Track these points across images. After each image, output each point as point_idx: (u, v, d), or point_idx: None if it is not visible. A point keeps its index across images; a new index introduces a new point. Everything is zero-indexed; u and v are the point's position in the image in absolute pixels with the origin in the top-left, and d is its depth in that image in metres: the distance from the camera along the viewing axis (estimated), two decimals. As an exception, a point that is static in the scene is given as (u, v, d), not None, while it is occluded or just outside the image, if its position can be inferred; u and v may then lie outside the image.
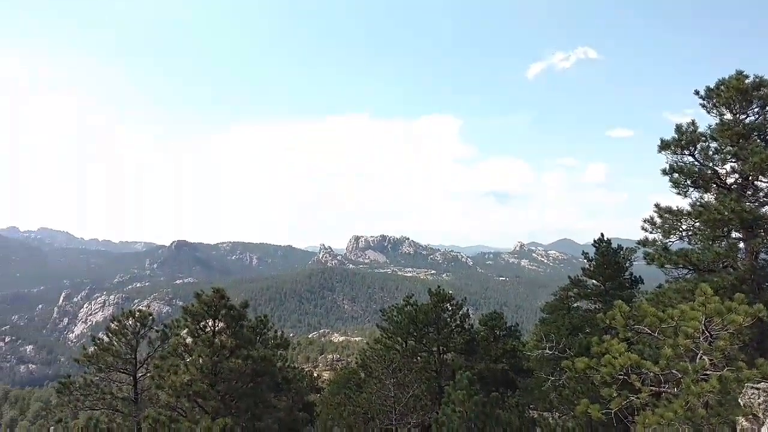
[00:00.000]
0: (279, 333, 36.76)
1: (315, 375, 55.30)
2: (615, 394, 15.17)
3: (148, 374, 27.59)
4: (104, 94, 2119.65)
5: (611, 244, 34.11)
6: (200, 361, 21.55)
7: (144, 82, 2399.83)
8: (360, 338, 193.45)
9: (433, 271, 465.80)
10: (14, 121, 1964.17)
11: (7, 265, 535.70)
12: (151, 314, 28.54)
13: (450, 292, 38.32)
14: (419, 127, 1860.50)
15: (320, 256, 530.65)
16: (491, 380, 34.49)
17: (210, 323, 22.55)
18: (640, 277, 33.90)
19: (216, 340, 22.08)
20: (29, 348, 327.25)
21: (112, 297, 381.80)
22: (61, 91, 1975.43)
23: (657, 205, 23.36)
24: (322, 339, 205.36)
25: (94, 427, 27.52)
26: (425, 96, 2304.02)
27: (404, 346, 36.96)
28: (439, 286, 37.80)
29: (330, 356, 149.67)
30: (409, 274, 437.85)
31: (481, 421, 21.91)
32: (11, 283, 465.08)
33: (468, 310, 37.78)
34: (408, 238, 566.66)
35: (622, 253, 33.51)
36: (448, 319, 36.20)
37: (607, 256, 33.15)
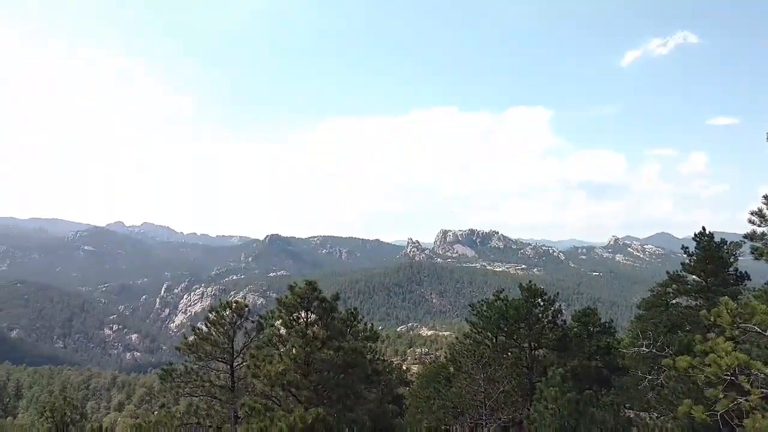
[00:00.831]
0: (368, 326, 37.20)
1: (404, 368, 55.63)
2: (721, 396, 14.41)
3: (244, 363, 28.45)
4: (201, 93, 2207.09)
5: (713, 237, 32.49)
6: (294, 351, 22.08)
7: (238, 80, 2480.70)
8: (448, 333, 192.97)
9: (523, 266, 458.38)
10: (120, 124, 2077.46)
11: (114, 259, 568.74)
12: (247, 305, 29.41)
13: (541, 287, 37.54)
14: (507, 119, 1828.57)
15: (408, 250, 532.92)
16: (584, 378, 33.57)
17: (303, 315, 23.06)
18: (746, 272, 32.13)
19: (309, 331, 22.56)
20: (134, 336, 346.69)
21: (209, 289, 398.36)
22: (161, 91, 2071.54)
23: (766, 197, 21.96)
24: (411, 333, 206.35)
25: (194, 413, 28.80)
26: (513, 88, 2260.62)
27: (494, 341, 36.54)
28: (530, 281, 37.14)
29: (418, 350, 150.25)
30: (499, 269, 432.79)
31: (574, 419, 21.38)
32: (118, 275, 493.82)
33: (560, 305, 36.87)
34: (497, 232, 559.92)
35: (726, 247, 31.86)
36: (540, 315, 35.48)
37: (710, 251, 31.60)
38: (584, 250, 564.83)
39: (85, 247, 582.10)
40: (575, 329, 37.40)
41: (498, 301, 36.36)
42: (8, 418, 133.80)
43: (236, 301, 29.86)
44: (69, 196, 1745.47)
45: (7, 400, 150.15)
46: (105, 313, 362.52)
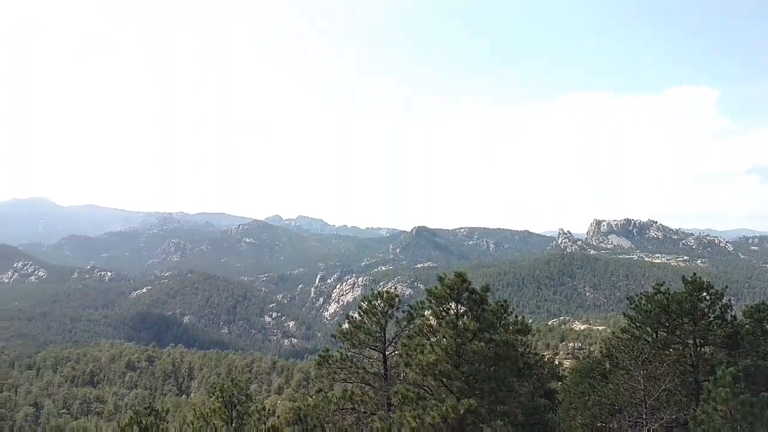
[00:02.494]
0: (519, 318, 36.56)
1: (555, 363, 54.11)
2: None
3: (396, 352, 29.05)
4: (343, 88, 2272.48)
5: None
6: (444, 342, 22.22)
7: (387, 73, 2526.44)
8: (603, 327, 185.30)
9: (685, 257, 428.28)
10: (279, 127, 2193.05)
11: (273, 250, 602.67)
12: (397, 296, 29.97)
13: (707, 280, 34.95)
14: (666, 100, 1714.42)
15: (559, 241, 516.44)
16: (760, 379, 30.86)
17: (453, 306, 23.14)
18: None
19: (459, 322, 22.60)
20: (291, 324, 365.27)
21: (360, 279, 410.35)
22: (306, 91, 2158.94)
23: None
24: (562, 326, 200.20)
25: (349, 398, 29.84)
26: (674, 68, 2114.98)
27: (654, 336, 34.62)
28: (694, 274, 34.73)
29: (571, 344, 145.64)
30: (658, 261, 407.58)
31: (749, 423, 19.75)
32: (276, 266, 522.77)
33: (729, 300, 34.12)
34: (656, 222, 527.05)
35: None
36: (706, 310, 33.07)
37: None
38: (756, 240, 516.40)
39: (247, 240, 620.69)
40: (747, 326, 34.41)
41: (658, 295, 34.35)
42: (183, 396, 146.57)
43: (387, 292, 30.52)
44: (233, 193, 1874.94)
45: (182, 380, 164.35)
46: (265, 302, 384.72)
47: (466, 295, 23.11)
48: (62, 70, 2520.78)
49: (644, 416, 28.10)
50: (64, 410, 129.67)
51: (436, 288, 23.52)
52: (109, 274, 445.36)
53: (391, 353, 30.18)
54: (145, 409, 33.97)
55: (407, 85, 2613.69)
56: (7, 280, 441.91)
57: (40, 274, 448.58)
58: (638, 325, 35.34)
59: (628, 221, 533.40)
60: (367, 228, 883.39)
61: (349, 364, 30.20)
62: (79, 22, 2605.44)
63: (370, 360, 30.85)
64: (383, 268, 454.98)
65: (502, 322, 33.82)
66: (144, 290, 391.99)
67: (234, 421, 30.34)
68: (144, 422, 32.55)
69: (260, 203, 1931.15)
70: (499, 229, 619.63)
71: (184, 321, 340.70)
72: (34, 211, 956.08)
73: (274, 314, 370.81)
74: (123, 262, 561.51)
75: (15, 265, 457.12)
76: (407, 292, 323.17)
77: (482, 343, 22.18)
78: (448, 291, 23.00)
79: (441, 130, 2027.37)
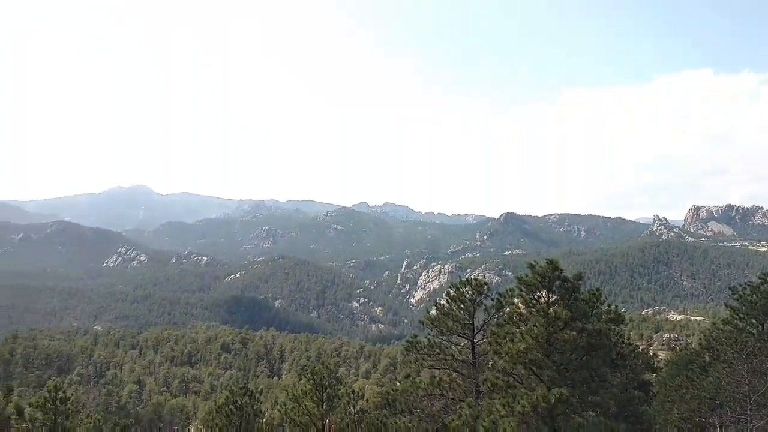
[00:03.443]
0: (612, 307, 35.48)
1: (650, 354, 52.26)
2: None
3: (485, 340, 28.86)
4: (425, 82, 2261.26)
5: None
6: (535, 330, 21.87)
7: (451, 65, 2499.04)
8: (701, 318, 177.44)
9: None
10: (367, 113, 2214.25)
11: (360, 236, 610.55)
12: (486, 283, 29.75)
13: (819, 269, 32.75)
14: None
15: (654, 228, 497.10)
16: None
17: (544, 294, 22.73)
18: None
19: (550, 311, 22.19)
20: (378, 309, 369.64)
21: (446, 266, 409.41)
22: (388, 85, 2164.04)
23: None
24: (657, 317, 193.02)
25: (437, 385, 29.96)
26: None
27: (761, 329, 32.81)
28: (805, 263, 32.64)
29: (666, 335, 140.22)
30: (763, 249, 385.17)
31: None
32: (363, 252, 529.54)
33: None
34: (762, 208, 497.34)
35: None
36: (818, 302, 31.06)
37: None
38: None
39: (335, 226, 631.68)
40: None
41: (765, 285, 32.52)
42: (274, 377, 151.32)
43: (475, 279, 30.32)
44: (321, 180, 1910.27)
45: (273, 362, 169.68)
46: (352, 287, 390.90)
47: (557, 283, 22.63)
48: (158, 65, 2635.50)
49: (748, 412, 26.71)
50: (164, 388, 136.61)
51: (527, 275, 23.15)
52: (205, 259, 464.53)
53: (479, 341, 30.02)
54: (240, 389, 35.35)
55: (495, 68, 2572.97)
56: (112, 264, 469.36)
57: (142, 258, 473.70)
58: (742, 316, 33.65)
59: (729, 207, 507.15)
60: (453, 215, 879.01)
61: (437, 350, 30.26)
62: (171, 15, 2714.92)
63: (458, 347, 30.81)
64: (470, 255, 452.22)
65: (595, 311, 32.89)
66: (237, 275, 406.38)
67: (324, 404, 31.08)
68: (239, 402, 33.90)
69: (348, 190, 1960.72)
70: (591, 215, 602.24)
71: (276, 305, 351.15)
72: (136, 199, 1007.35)
73: (362, 300, 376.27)
74: (218, 247, 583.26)
75: (119, 250, 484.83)
76: (495, 280, 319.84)
77: (574, 333, 21.67)
78: (539, 279, 22.59)
79: (528, 114, 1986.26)
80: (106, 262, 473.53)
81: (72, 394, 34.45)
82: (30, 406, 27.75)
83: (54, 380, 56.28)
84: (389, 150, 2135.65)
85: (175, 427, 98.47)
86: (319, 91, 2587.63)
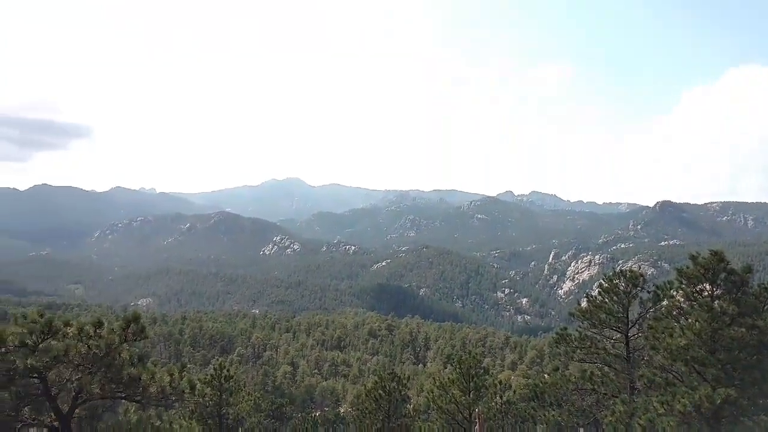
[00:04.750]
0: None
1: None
2: None
3: (641, 334, 27.49)
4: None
5: None
6: (697, 326, 20.47)
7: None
8: None
9: None
10: (508, 100, 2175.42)
11: (505, 226, 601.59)
12: (642, 275, 28.28)
13: None
14: None
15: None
16: None
17: (707, 287, 21.20)
18: None
19: (715, 305, 20.66)
20: (524, 301, 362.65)
21: (597, 257, 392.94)
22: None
23: None
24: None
25: (588, 379, 28.96)
26: None
27: None
28: None
29: None
30: None
31: None
32: (509, 242, 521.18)
33: None
34: None
35: None
36: None
37: None
38: None
39: (479, 216, 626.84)
40: None
41: None
42: (419, 365, 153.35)
43: (630, 270, 28.94)
44: (465, 170, 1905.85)
45: (419, 349, 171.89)
46: (497, 278, 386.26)
47: (723, 275, 21.00)
48: (322, 67, 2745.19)
49: None
50: (316, 370, 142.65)
51: (688, 267, 21.68)
52: (353, 248, 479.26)
53: (634, 335, 28.65)
54: (389, 374, 36.18)
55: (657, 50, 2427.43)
56: (268, 252, 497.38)
57: (295, 247, 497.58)
58: None
59: None
60: (604, 203, 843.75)
61: (588, 343, 29.22)
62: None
63: (611, 341, 29.58)
64: (622, 246, 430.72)
65: (766, 306, 30.24)
66: (383, 263, 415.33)
67: (471, 393, 31.04)
68: (387, 387, 34.73)
69: (492, 180, 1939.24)
70: (760, 203, 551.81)
71: (420, 293, 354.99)
72: (289, 191, 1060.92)
73: (507, 290, 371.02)
74: (365, 236, 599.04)
75: (274, 239, 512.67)
76: (650, 272, 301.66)
77: (743, 329, 20.01)
78: (702, 271, 21.06)
79: (688, 96, 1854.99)
80: (263, 251, 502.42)
81: (234, 373, 37.00)
82: (200, 382, 30.17)
83: (218, 359, 60.69)
84: (535, 139, 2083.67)
85: (326, 408, 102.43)
86: (460, 82, 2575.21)
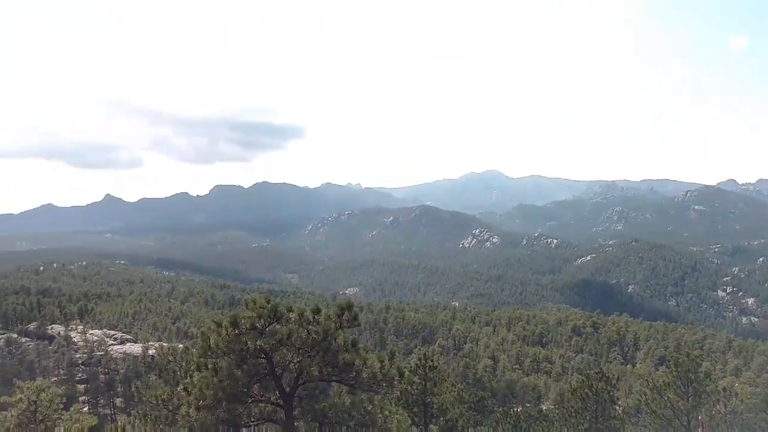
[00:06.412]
0: None
1: None
2: None
3: None
4: None
5: None
6: None
7: None
8: None
9: None
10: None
11: (726, 218, 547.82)
12: None
13: None
14: None
15: None
16: None
17: None
18: None
19: None
20: (751, 301, 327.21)
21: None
22: None
23: None
24: None
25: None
26: None
27: None
28: None
29: None
30: None
31: None
32: (731, 236, 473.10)
33: None
34: None
35: None
36: None
37: None
38: None
39: (696, 207, 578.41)
40: None
41: None
42: (627, 365, 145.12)
43: None
44: (678, 157, 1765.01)
45: (627, 349, 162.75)
46: (718, 275, 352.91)
47: None
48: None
49: None
50: (517, 365, 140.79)
51: None
52: (555, 241, 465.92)
53: None
54: (596, 373, 34.73)
55: None
56: (467, 245, 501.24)
57: (494, 240, 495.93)
58: None
59: None
60: None
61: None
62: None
63: None
64: None
65: None
66: (588, 258, 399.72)
67: (690, 398, 28.78)
68: (595, 386, 33.36)
69: (711, 167, 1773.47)
70: None
71: (629, 290, 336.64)
72: (488, 183, 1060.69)
73: (729, 289, 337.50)
74: (567, 229, 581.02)
75: (473, 232, 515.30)
76: None
77: None
78: None
79: None
80: (462, 243, 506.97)
81: (437, 364, 37.83)
82: (407, 370, 31.28)
83: (420, 349, 62.42)
84: (761, 119, 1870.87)
85: (528, 404, 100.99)
86: (666, 58, 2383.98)
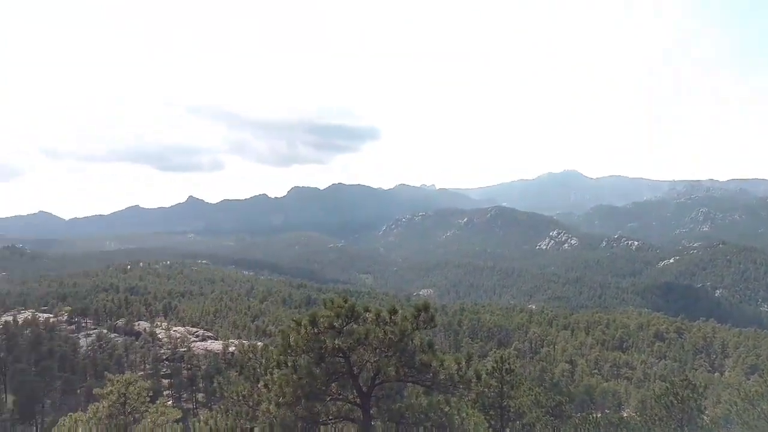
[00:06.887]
0: None
1: None
2: None
3: None
4: None
5: None
6: None
7: None
8: None
9: None
10: None
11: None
12: None
13: None
14: None
15: None
16: None
17: None
18: None
19: None
20: None
21: None
22: None
23: None
24: None
25: None
26: None
27: None
28: None
29: None
30: None
31: None
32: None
33: None
34: None
35: None
36: None
37: None
38: None
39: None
40: None
41: None
42: (715, 373, 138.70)
43: None
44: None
45: (714, 356, 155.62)
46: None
47: None
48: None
49: None
50: (596, 370, 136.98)
51: None
52: (636, 243, 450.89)
53: None
54: (682, 381, 33.42)
55: None
56: (544, 247, 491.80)
57: (572, 242, 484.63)
58: None
59: None
60: None
61: None
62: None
63: None
64: None
65: None
66: (671, 260, 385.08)
67: (785, 410, 27.28)
68: (680, 394, 32.10)
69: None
70: None
71: (716, 294, 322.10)
72: (566, 184, 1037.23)
73: None
74: (649, 231, 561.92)
75: (551, 234, 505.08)
76: None
77: None
78: None
79: None
80: (539, 245, 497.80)
81: (514, 367, 37.31)
82: (484, 373, 31.00)
83: (496, 352, 61.68)
84: None
85: (607, 411, 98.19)
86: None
